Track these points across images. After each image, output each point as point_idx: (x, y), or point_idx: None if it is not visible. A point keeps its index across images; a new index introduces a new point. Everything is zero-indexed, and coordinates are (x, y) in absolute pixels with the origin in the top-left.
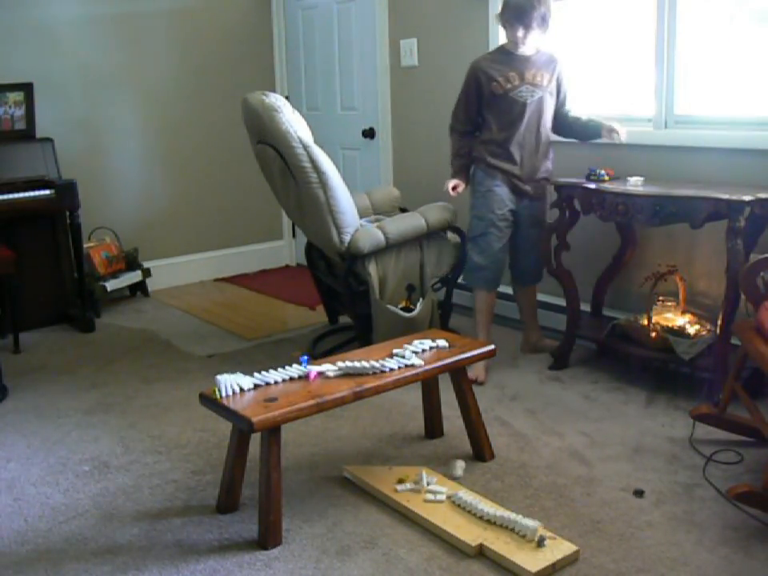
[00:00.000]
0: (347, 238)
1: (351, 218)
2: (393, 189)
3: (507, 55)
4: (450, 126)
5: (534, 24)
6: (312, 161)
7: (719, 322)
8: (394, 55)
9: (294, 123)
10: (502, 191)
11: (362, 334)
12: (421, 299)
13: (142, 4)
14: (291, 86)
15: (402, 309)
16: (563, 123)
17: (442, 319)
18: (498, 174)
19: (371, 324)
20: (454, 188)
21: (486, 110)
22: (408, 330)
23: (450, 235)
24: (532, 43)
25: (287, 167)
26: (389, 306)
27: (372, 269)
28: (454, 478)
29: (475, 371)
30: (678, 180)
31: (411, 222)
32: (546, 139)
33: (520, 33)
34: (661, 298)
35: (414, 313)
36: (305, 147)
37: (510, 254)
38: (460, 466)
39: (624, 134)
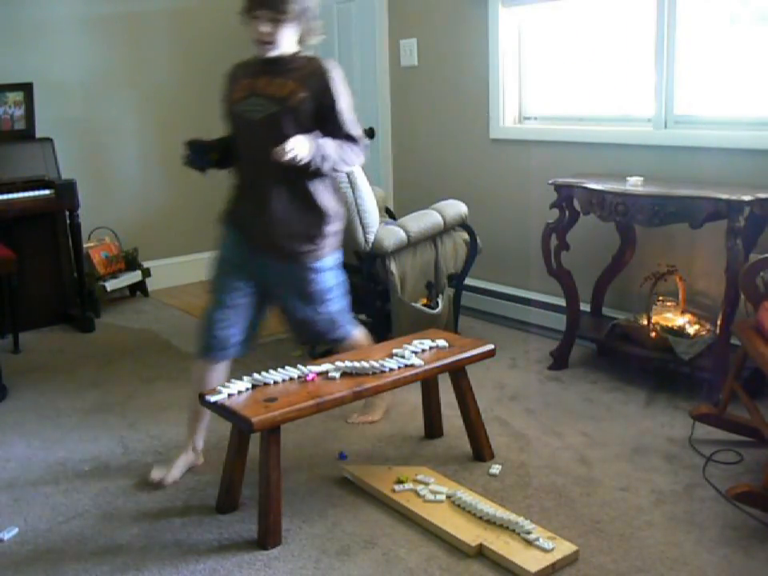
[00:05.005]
0: (372, 237)
1: (375, 216)
2: (379, 189)
3: (253, 61)
4: None
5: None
6: None
7: (719, 322)
8: (393, 55)
9: None
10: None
11: (380, 333)
12: (440, 295)
13: (141, 4)
14: None
15: (423, 306)
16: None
17: (453, 318)
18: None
19: (389, 323)
20: None
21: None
22: (431, 327)
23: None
24: (286, 43)
25: None
26: (414, 304)
27: (394, 267)
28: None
29: (372, 410)
30: (678, 180)
31: (430, 220)
32: (286, 180)
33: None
34: (661, 297)
35: (439, 309)
36: None
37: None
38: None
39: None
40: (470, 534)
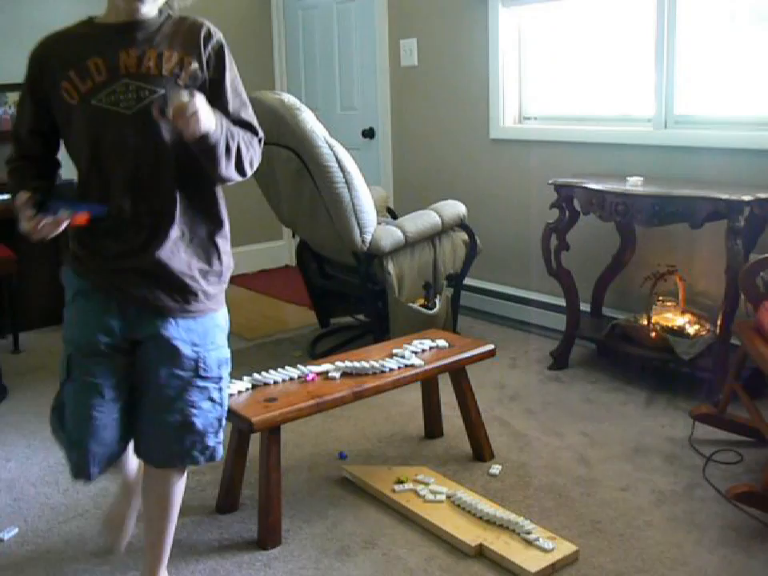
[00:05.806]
0: (369, 238)
1: (372, 216)
2: (380, 189)
3: (95, 29)
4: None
5: None
6: (338, 160)
7: (719, 322)
8: (393, 55)
9: (316, 122)
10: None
11: (378, 334)
12: (438, 296)
13: None
14: (291, 86)
15: (421, 307)
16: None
17: (452, 318)
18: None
19: (387, 323)
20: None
21: (63, 134)
22: (428, 327)
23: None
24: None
25: (306, 169)
26: (411, 305)
27: (391, 268)
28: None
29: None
30: (678, 180)
31: (428, 220)
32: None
33: None
34: (661, 298)
35: (436, 310)
36: (330, 147)
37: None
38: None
39: None
40: (470, 533)
